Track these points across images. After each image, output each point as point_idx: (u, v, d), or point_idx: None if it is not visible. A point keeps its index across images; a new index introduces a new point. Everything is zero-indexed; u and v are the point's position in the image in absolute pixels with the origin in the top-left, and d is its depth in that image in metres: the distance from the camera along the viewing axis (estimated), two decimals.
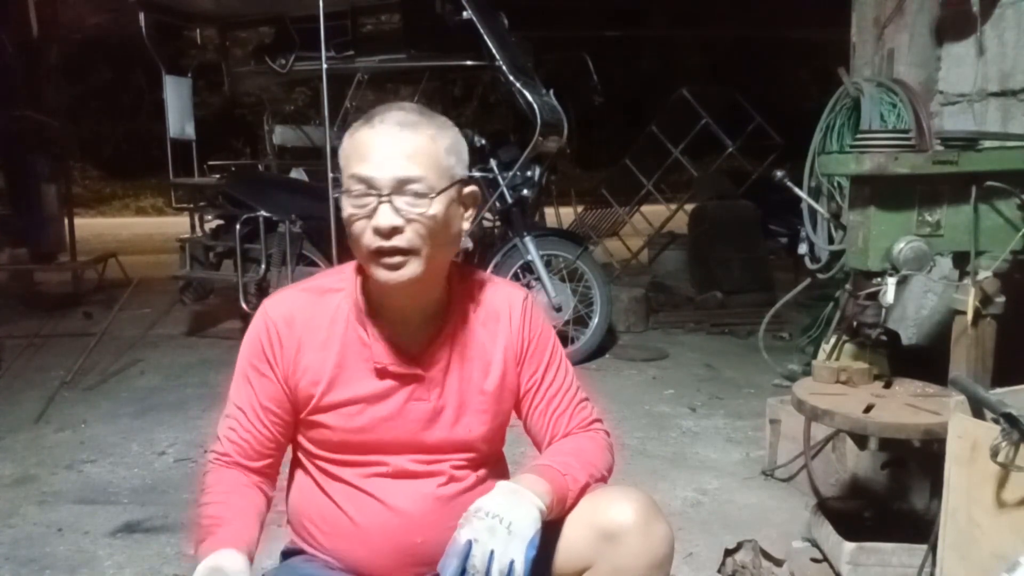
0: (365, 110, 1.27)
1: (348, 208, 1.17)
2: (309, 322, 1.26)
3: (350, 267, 1.30)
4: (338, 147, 1.23)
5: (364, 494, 1.25)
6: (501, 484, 1.18)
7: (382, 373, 1.25)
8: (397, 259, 1.17)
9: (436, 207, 1.16)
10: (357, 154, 1.17)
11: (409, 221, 1.16)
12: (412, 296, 1.24)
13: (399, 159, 1.15)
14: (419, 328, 1.27)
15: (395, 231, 1.15)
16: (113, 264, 6.55)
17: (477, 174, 4.19)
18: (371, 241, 1.16)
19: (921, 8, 2.72)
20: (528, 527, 1.12)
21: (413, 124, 1.17)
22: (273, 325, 1.26)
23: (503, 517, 1.11)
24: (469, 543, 1.09)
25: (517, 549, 1.09)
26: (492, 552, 1.08)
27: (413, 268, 1.17)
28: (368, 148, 1.16)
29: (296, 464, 1.34)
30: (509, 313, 1.33)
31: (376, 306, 1.26)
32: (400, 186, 1.15)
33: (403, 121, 1.17)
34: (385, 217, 1.15)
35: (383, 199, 1.15)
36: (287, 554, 1.37)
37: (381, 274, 1.18)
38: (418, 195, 1.15)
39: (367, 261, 1.19)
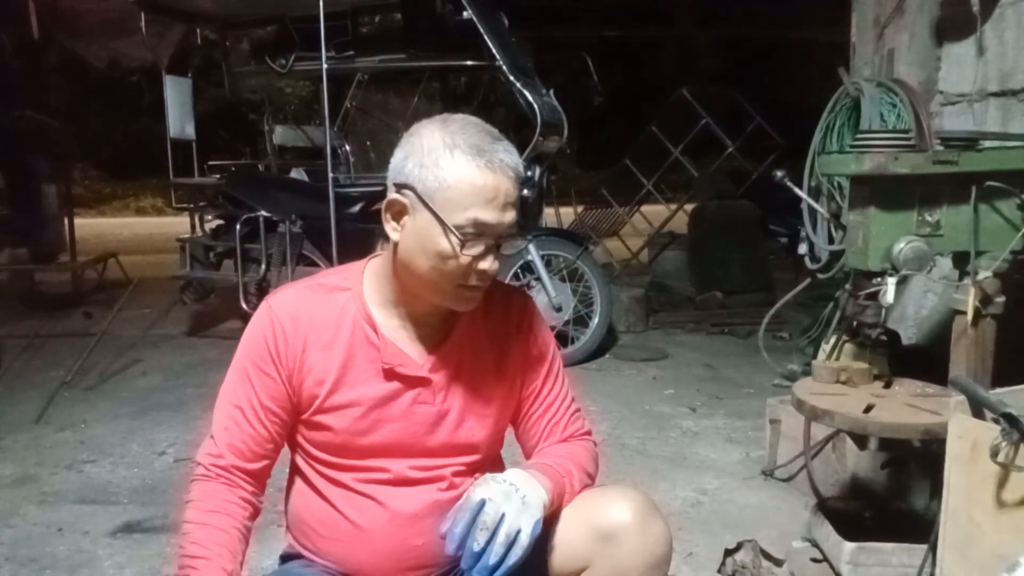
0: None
1: (452, 244, 1.14)
2: (315, 320, 1.24)
3: (355, 267, 1.29)
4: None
5: (363, 497, 1.24)
6: (513, 469, 1.21)
7: (389, 375, 1.23)
8: (480, 291, 1.21)
9: None
10: (479, 196, 1.14)
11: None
12: (444, 307, 1.26)
13: (512, 207, 1.18)
14: (429, 332, 1.27)
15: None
16: (113, 264, 6.52)
17: None
18: (476, 280, 1.18)
19: (921, 8, 2.72)
20: (538, 507, 1.14)
21: (517, 167, 1.19)
22: (279, 322, 1.23)
23: (519, 487, 1.14)
24: (483, 502, 1.10)
25: (527, 520, 1.11)
26: (503, 515, 1.10)
27: (482, 294, 1.23)
28: (492, 193, 1.15)
29: (295, 468, 1.33)
30: (515, 319, 1.34)
31: (390, 309, 1.25)
32: (508, 231, 1.18)
33: (513, 165, 1.17)
34: (495, 262, 1.18)
35: (496, 245, 1.18)
36: (285, 558, 1.37)
37: (464, 305, 1.22)
38: (512, 239, 1.20)
39: (451, 290, 1.19)
